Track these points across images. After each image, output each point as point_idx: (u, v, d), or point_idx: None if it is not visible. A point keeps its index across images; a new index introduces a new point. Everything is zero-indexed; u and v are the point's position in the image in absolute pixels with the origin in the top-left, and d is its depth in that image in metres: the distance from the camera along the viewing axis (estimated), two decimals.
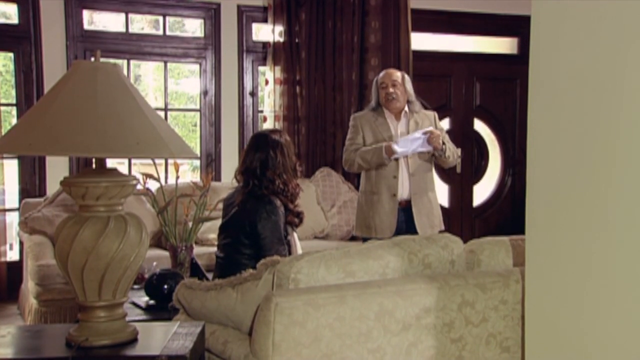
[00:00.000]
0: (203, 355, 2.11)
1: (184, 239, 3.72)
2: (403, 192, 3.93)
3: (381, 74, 4.07)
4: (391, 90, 3.94)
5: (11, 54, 5.30)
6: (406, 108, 4.01)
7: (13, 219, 5.60)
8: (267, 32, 5.76)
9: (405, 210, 3.95)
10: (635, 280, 1.58)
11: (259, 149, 3.20)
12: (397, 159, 3.89)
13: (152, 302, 3.22)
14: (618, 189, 1.62)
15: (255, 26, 5.89)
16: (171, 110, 6.74)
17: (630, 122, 1.58)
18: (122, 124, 1.77)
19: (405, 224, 3.94)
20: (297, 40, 5.76)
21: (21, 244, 5.03)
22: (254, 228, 3.07)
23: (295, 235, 3.29)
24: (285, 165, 3.18)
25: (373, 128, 3.99)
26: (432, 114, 4.11)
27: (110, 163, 1.95)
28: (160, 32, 5.73)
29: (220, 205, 3.44)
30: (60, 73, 3.76)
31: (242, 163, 3.23)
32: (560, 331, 1.81)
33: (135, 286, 3.40)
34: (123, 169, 5.12)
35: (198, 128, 5.95)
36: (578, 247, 1.74)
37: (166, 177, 5.65)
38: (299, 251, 3.23)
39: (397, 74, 4.02)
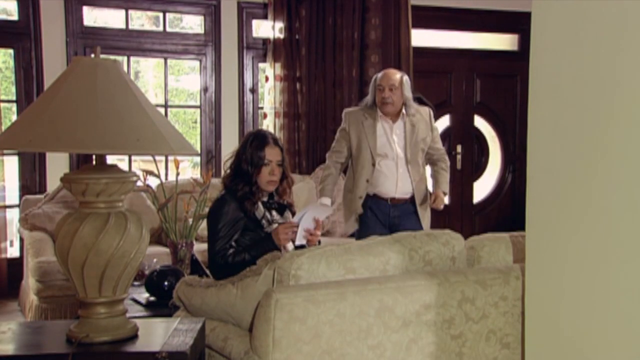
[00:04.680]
0: (203, 351, 2.12)
1: (184, 236, 3.72)
2: (397, 191, 3.95)
3: (380, 74, 4.00)
4: (387, 95, 3.88)
5: (11, 51, 5.29)
6: (404, 110, 3.96)
7: (13, 215, 5.60)
8: (267, 29, 5.75)
9: (398, 206, 3.97)
10: (635, 277, 1.58)
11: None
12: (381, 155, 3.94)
13: (152, 298, 3.23)
14: (617, 185, 1.62)
15: (255, 23, 5.88)
16: (171, 107, 6.72)
17: (630, 118, 1.58)
18: (122, 120, 1.77)
19: (400, 219, 3.95)
20: (297, 37, 5.75)
21: (21, 240, 5.03)
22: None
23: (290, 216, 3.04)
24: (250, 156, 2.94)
25: (359, 130, 3.97)
26: (427, 113, 4.05)
27: (111, 159, 1.96)
28: (160, 29, 5.72)
29: None
30: (60, 69, 3.75)
31: None
32: (560, 327, 1.82)
33: (136, 283, 3.40)
34: (123, 165, 5.12)
35: (198, 125, 5.95)
36: (578, 243, 1.74)
37: (166, 174, 5.64)
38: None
39: (396, 77, 3.93)
